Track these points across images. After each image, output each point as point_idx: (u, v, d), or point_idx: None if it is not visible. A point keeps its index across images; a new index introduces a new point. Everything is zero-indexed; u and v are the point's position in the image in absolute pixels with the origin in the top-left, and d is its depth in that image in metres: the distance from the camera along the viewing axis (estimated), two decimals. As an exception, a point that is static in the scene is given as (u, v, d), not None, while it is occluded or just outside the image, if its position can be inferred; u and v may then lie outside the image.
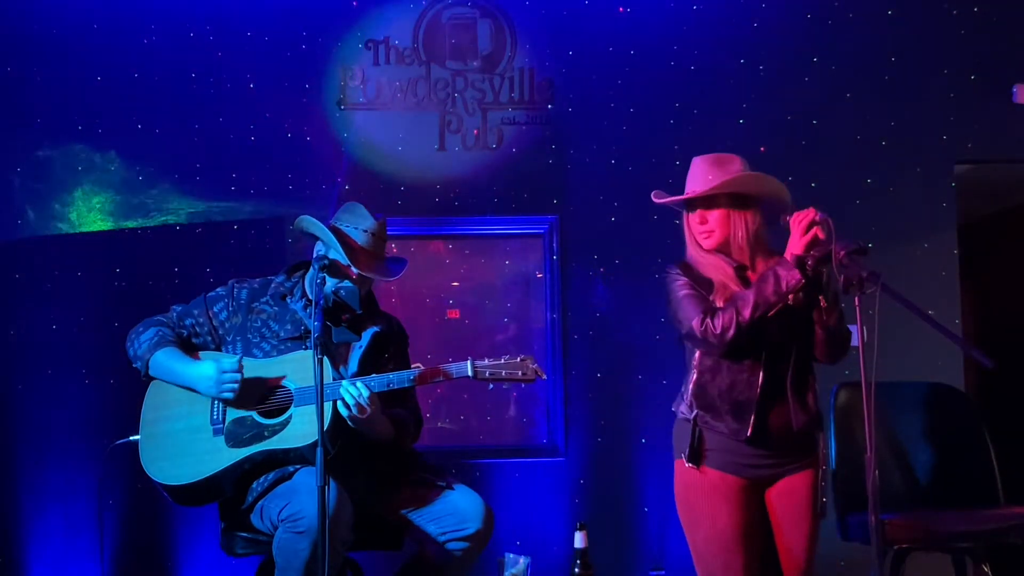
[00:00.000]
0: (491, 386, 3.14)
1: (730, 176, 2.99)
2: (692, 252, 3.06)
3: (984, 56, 4.64)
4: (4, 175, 4.35)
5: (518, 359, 3.10)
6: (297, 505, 2.87)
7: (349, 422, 3.01)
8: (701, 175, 3.04)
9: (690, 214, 3.06)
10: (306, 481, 2.92)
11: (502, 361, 3.09)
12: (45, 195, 4.35)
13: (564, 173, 4.52)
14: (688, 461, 2.98)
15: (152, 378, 3.16)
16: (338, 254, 3.11)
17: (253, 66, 4.45)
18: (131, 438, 3.16)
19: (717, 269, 3.00)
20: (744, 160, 3.05)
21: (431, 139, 4.50)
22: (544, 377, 3.14)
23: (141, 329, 3.19)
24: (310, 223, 3.20)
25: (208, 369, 3.05)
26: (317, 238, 3.22)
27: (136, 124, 4.40)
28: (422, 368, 3.09)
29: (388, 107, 4.50)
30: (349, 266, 3.11)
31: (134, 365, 3.18)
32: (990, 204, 5.95)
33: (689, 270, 3.03)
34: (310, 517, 2.81)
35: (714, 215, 3.00)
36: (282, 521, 2.91)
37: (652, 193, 3.12)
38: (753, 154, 3.24)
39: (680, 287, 2.99)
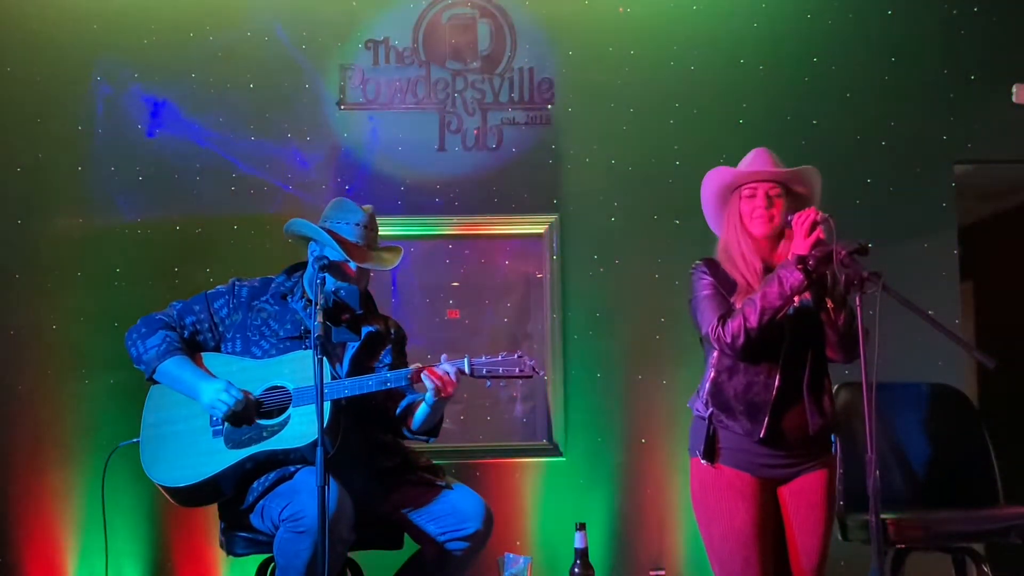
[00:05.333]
0: (488, 383, 3.13)
1: (807, 167, 3.06)
2: (731, 239, 3.03)
3: (984, 56, 4.64)
4: (4, 175, 4.34)
5: (515, 356, 3.10)
6: (298, 505, 2.87)
7: (432, 396, 3.03)
8: (767, 161, 3.05)
9: (748, 197, 3.03)
10: (307, 481, 2.92)
11: (499, 358, 3.09)
12: (45, 195, 4.34)
13: (564, 173, 4.52)
14: (703, 459, 3.00)
15: (156, 381, 3.17)
16: (334, 252, 3.12)
17: (253, 66, 4.45)
18: (133, 440, 3.17)
19: (748, 264, 2.98)
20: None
21: (431, 139, 4.50)
22: (541, 373, 3.15)
23: (144, 331, 3.18)
24: (301, 225, 3.21)
25: (216, 384, 3.06)
26: (309, 239, 3.23)
27: (136, 124, 4.40)
28: (420, 366, 3.09)
29: (388, 107, 4.50)
30: (346, 262, 3.12)
31: (137, 367, 3.18)
32: (990, 204, 5.95)
33: (716, 268, 3.03)
34: (311, 517, 2.81)
35: (778, 203, 3.00)
36: (283, 521, 2.91)
37: (716, 170, 3.10)
38: (753, 154, 3.24)
39: (703, 287, 3.01)
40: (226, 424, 3.07)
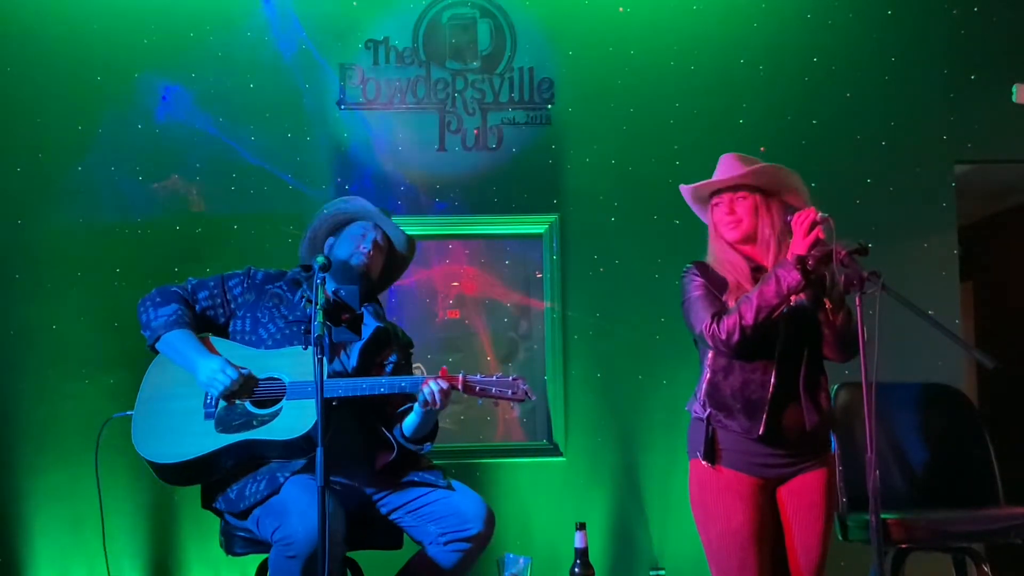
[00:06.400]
0: (480, 401, 3.17)
1: (760, 166, 3.03)
2: (714, 247, 3.08)
3: (984, 56, 4.64)
4: (4, 175, 4.35)
5: (510, 378, 3.12)
6: (288, 528, 2.87)
7: (420, 406, 3.08)
8: (728, 167, 3.07)
9: (716, 206, 3.08)
10: (297, 498, 2.91)
11: (494, 378, 3.12)
12: (45, 195, 4.34)
13: (564, 173, 4.52)
14: (704, 460, 3.00)
15: (156, 351, 3.18)
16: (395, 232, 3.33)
17: (253, 66, 4.46)
18: (127, 413, 3.16)
19: (734, 267, 3.01)
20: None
21: (431, 139, 4.51)
22: (533, 399, 3.18)
23: (159, 300, 3.20)
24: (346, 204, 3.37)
25: (214, 362, 3.07)
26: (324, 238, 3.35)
27: (136, 124, 4.40)
28: (417, 375, 3.11)
29: (388, 107, 4.50)
30: (356, 255, 3.27)
31: (143, 332, 3.18)
32: (990, 204, 5.95)
33: (706, 270, 3.05)
34: (300, 542, 2.82)
35: (743, 205, 3.03)
36: (275, 542, 2.92)
37: (680, 187, 3.16)
38: (753, 154, 3.24)
39: (694, 288, 3.02)
40: (219, 407, 3.08)
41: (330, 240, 3.36)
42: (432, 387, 3.04)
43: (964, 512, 3.56)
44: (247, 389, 3.09)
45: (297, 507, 2.88)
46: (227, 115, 4.43)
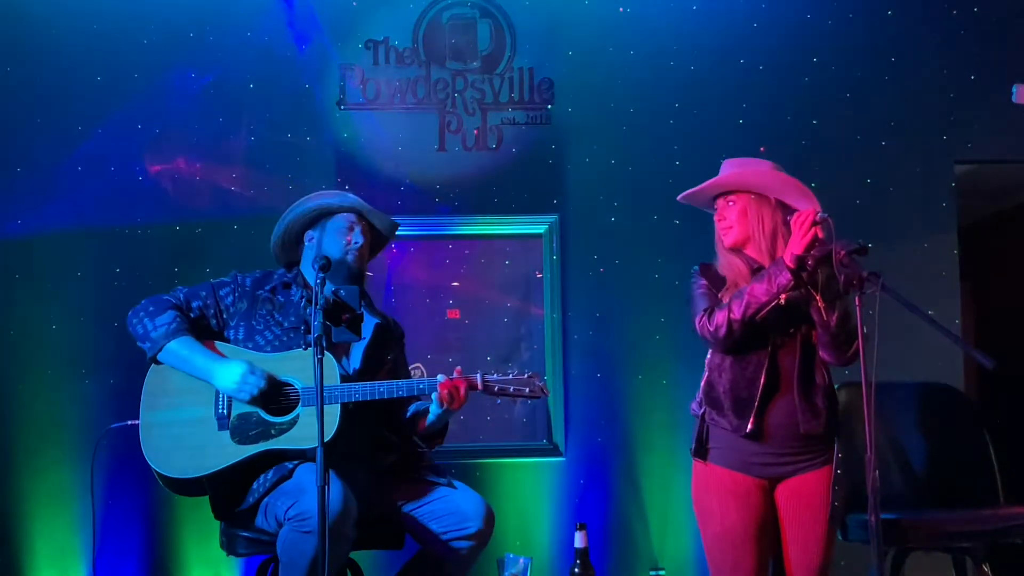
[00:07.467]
0: (499, 401, 3.18)
1: (732, 172, 3.04)
2: (718, 250, 3.12)
3: (984, 56, 4.64)
4: (4, 175, 4.35)
5: (525, 375, 3.14)
6: (305, 504, 2.86)
7: (438, 407, 3.10)
8: (728, 170, 3.10)
9: (715, 212, 3.13)
10: (311, 479, 2.91)
11: (510, 377, 3.14)
12: (44, 195, 4.34)
13: (564, 173, 4.52)
14: (694, 455, 3.02)
15: (158, 362, 3.11)
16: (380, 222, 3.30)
17: (253, 66, 4.46)
18: (127, 423, 3.13)
19: (733, 268, 3.04)
20: (775, 164, 3.08)
21: (431, 139, 4.50)
22: (548, 394, 3.20)
23: (152, 309, 3.11)
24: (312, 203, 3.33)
25: (238, 366, 3.03)
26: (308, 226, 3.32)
27: (136, 124, 4.40)
28: (425, 376, 3.12)
29: (388, 107, 4.50)
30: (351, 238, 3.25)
31: (141, 345, 3.10)
32: (990, 204, 5.95)
33: (708, 270, 3.09)
34: (317, 517, 2.81)
35: (732, 211, 3.07)
36: (289, 519, 2.90)
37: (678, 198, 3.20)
38: (753, 154, 3.25)
39: (696, 287, 3.08)
40: (232, 416, 3.04)
41: (310, 233, 3.29)
42: (451, 389, 3.05)
43: (964, 512, 3.56)
44: (278, 390, 3.06)
45: (312, 485, 2.84)
46: (227, 115, 4.43)
